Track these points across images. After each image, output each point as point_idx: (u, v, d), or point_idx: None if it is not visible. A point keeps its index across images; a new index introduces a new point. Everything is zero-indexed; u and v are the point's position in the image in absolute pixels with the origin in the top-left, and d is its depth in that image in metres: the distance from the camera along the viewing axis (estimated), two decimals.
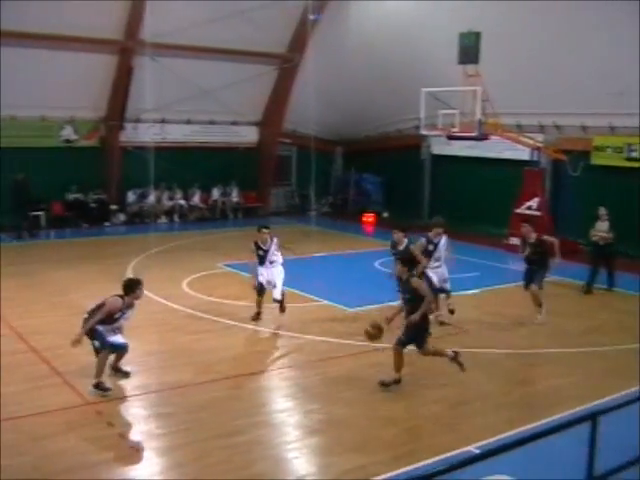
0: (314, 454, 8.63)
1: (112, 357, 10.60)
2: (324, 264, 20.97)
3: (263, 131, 31.94)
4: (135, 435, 8.81)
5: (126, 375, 10.75)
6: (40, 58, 25.07)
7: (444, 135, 23.67)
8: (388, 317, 10.75)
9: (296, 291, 16.16)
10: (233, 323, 13.86)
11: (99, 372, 10.15)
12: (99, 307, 10.37)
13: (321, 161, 29.95)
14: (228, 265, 19.59)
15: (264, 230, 13.96)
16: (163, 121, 28.73)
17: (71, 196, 27.74)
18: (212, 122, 30.35)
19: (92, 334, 10.25)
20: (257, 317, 14.01)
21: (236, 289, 16.51)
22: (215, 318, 14.24)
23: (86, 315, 10.43)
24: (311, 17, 27.03)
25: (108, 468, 8.09)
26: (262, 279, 13.86)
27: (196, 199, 30.16)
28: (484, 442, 8.47)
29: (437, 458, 8.13)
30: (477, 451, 8.09)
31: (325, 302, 15.79)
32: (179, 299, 15.64)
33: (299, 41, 29.28)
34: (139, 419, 9.50)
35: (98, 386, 10.08)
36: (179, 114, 28.85)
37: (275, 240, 14.03)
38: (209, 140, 30.16)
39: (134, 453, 8.31)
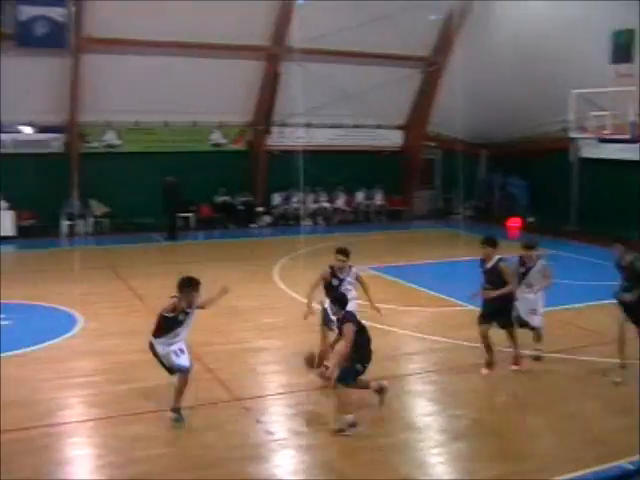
0: (458, 459, 8.50)
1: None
2: (469, 268, 20.60)
3: (407, 134, 31.89)
4: (281, 432, 8.95)
5: (178, 421, 9.18)
6: (191, 66, 26.02)
7: (594, 137, 22.86)
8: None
9: (442, 295, 16.01)
10: (377, 326, 13.82)
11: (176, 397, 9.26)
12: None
13: (465, 164, 29.54)
14: (372, 268, 19.59)
15: (340, 257, 11.19)
16: (308, 125, 29.11)
17: (219, 198, 28.60)
18: (357, 126, 30.60)
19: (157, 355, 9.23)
20: (313, 363, 10.94)
21: (380, 292, 16.44)
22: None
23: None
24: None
25: (254, 463, 8.24)
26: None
27: (340, 202, 30.44)
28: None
29: (583, 472, 7.86)
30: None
31: (471, 307, 15.52)
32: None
33: (444, 43, 29.08)
34: (286, 417, 9.64)
35: (176, 411, 9.20)
36: (324, 118, 29.20)
37: (354, 270, 11.27)
38: (353, 143, 30.41)
39: (280, 449, 8.44)
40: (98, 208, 26.96)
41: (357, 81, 27.83)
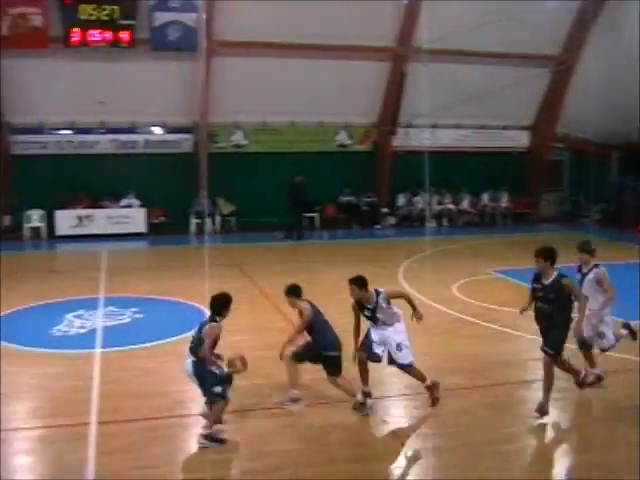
0: (588, 469, 8.23)
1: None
2: None
3: (535, 135, 31.23)
4: (406, 433, 8.91)
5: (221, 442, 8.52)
6: (317, 67, 26.31)
7: None
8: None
9: None
10: (504, 330, 13.59)
11: (216, 420, 8.62)
12: (200, 342, 8.58)
13: (595, 166, 28.68)
14: (498, 271, 19.28)
15: (354, 287, 9.67)
16: (434, 126, 28.89)
17: (344, 199, 28.76)
18: (482, 127, 30.21)
19: (202, 377, 8.58)
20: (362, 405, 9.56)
21: (507, 295, 16.18)
22: (485, 324, 14.05)
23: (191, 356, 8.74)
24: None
25: (379, 463, 8.22)
26: (376, 347, 9.59)
27: (465, 204, 30.10)
28: None
29: None
30: None
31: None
32: (449, 303, 15.57)
33: (574, 41, 28.29)
34: (409, 418, 9.59)
35: (209, 437, 8.49)
36: (450, 119, 28.95)
37: (383, 293, 9.68)
38: (479, 145, 30.01)
39: (402, 450, 8.40)
40: (225, 207, 27.62)
41: (483, 81, 27.45)
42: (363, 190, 29.06)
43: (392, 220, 29.16)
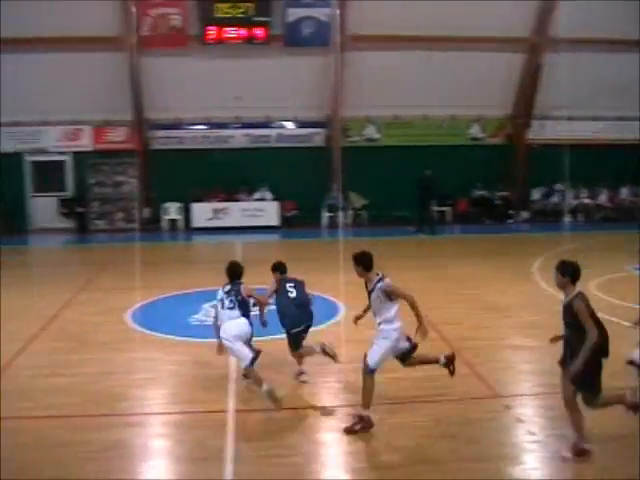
0: None
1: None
2: None
3: None
4: (542, 433, 8.67)
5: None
6: (449, 59, 26.14)
7: None
8: None
9: None
10: None
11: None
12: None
13: None
14: (637, 268, 18.52)
15: (353, 263, 9.41)
16: (570, 118, 28.06)
17: (476, 192, 28.35)
18: (621, 118, 28.97)
19: None
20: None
21: None
22: (625, 323, 13.53)
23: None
24: None
25: (512, 463, 8.02)
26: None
27: (603, 198, 29.06)
28: None
29: None
30: None
31: None
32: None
33: None
34: (547, 418, 9.32)
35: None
36: (587, 110, 27.96)
37: (384, 284, 9.01)
38: (618, 137, 28.85)
39: (540, 451, 8.17)
40: (357, 200, 27.70)
41: (623, 71, 26.35)
42: (496, 184, 28.52)
43: (526, 214, 28.51)
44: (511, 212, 28.36)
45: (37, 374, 10.85)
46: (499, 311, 14.45)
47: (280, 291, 10.40)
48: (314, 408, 9.49)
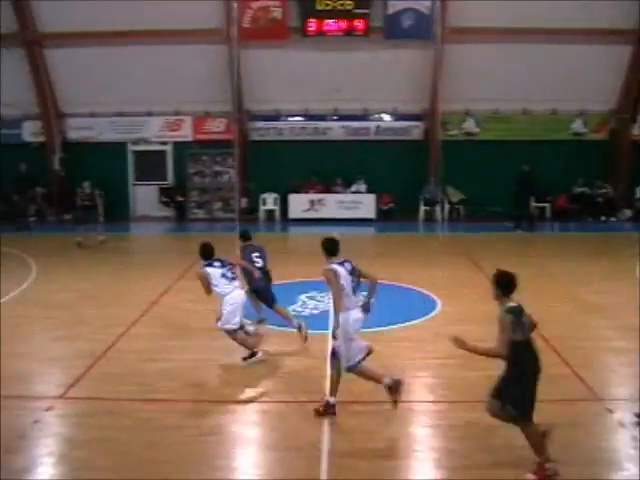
0: None
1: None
2: None
3: None
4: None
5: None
6: (551, 52, 25.57)
7: None
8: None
9: None
10: None
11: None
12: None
13: None
14: None
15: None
16: None
17: (577, 189, 27.67)
18: None
19: None
20: None
21: None
22: None
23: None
24: None
25: (613, 468, 7.84)
26: None
27: None
28: None
29: None
30: None
31: None
32: None
33: None
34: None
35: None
36: None
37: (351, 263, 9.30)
38: None
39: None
40: (454, 195, 27.43)
41: None
42: (598, 181, 27.74)
43: (629, 213, 27.65)
44: (613, 210, 27.54)
45: (137, 359, 11.18)
46: (600, 312, 14.11)
47: (245, 258, 12.19)
48: (410, 402, 9.45)
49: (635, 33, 25.79)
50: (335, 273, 8.86)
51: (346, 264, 9.07)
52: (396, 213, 27.38)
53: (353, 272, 9.02)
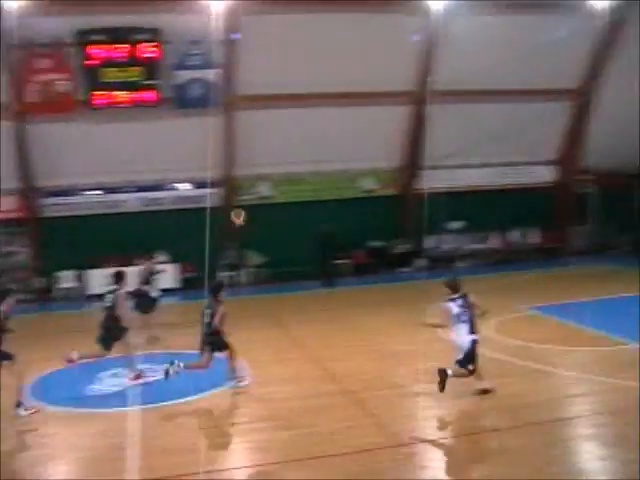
0: None
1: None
2: (632, 305, 19.73)
3: (560, 170, 31.10)
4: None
5: None
6: (337, 115, 26.54)
7: None
8: None
9: (605, 333, 15.45)
10: (541, 367, 13.44)
11: None
12: None
13: (621, 197, 28.56)
14: (534, 308, 19.16)
15: None
16: (458, 166, 28.95)
17: (373, 244, 28.79)
18: (507, 164, 30.07)
19: None
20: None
21: (544, 332, 16.14)
22: (522, 362, 13.91)
23: None
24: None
25: None
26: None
27: (494, 241, 30.04)
28: None
29: None
30: None
31: (634, 345, 14.79)
32: (486, 342, 15.41)
33: (592, 74, 28.30)
34: (452, 464, 9.44)
35: None
36: (474, 158, 28.88)
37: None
38: (505, 182, 29.91)
39: None
40: (255, 258, 27.71)
41: (504, 119, 27.42)
42: (392, 234, 28.98)
43: (423, 262, 29.03)
44: (408, 261, 28.84)
45: None
46: (395, 359, 14.68)
47: None
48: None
49: (409, 94, 27.36)
50: None
51: None
52: (200, 281, 27.17)
53: None
